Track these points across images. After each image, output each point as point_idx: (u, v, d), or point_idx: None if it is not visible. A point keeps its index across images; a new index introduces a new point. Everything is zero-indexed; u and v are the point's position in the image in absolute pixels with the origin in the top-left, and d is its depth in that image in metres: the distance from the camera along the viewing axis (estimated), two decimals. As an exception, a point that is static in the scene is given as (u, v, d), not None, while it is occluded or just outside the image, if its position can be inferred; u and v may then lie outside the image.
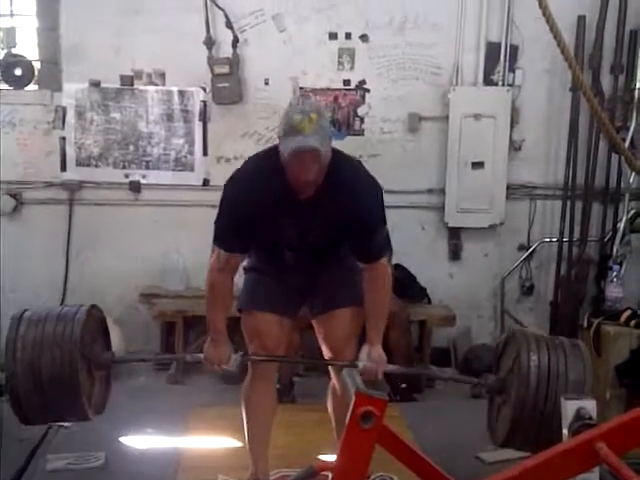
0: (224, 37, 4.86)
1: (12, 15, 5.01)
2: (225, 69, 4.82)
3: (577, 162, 4.94)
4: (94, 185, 5.03)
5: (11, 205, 4.96)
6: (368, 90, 5.00)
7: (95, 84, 4.90)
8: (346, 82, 4.98)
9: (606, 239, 5.02)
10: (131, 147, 5.00)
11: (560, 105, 4.99)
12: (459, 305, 5.05)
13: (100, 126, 4.96)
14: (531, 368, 2.67)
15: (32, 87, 4.98)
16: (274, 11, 4.89)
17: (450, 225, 5.09)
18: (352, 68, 4.97)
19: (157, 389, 4.59)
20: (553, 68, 4.90)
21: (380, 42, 4.93)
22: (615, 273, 4.60)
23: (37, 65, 4.98)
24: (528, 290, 5.21)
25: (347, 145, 4.34)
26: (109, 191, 5.03)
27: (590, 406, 2.10)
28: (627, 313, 4.27)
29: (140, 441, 3.68)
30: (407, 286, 4.85)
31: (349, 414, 1.62)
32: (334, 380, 2.97)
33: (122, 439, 3.68)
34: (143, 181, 5.03)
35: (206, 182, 5.01)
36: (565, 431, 2.07)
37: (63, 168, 5.00)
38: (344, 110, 5.00)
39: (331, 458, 1.73)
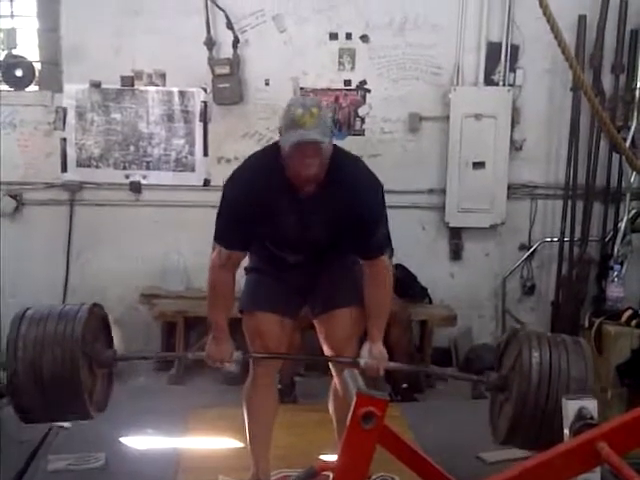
0: (224, 38, 4.86)
1: (12, 16, 5.01)
2: (226, 70, 4.83)
3: (578, 162, 4.94)
4: (95, 186, 5.03)
5: (12, 206, 4.97)
6: (369, 90, 5.00)
7: (96, 85, 4.91)
8: (347, 82, 4.98)
9: (607, 239, 5.02)
10: (132, 148, 5.00)
11: (561, 105, 4.99)
12: (460, 305, 5.05)
13: (101, 127, 4.97)
14: (533, 365, 2.67)
15: (33, 88, 4.98)
16: (274, 12, 4.89)
17: (451, 225, 5.09)
18: (353, 68, 4.97)
19: (157, 390, 4.59)
20: (554, 68, 4.90)
21: (380, 42, 4.93)
22: (616, 273, 4.60)
23: (38, 66, 4.98)
24: (529, 290, 5.21)
25: (348, 145, 4.28)
26: (110, 192, 5.03)
27: (591, 406, 2.09)
28: (628, 313, 4.27)
29: (140, 442, 3.68)
30: (408, 286, 4.85)
31: (350, 414, 1.61)
32: (336, 380, 2.97)
33: (122, 440, 3.68)
34: (144, 182, 5.03)
35: (207, 182, 5.01)
36: (566, 431, 2.07)
37: (64, 169, 5.00)
38: (345, 110, 5.01)
39: (332, 458, 1.73)
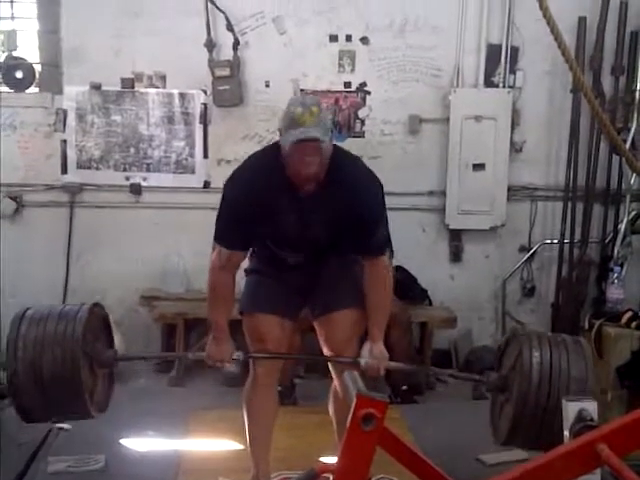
0: (225, 40, 4.86)
1: (13, 18, 5.01)
2: (226, 71, 4.83)
3: (578, 163, 4.94)
4: (95, 188, 5.03)
5: (12, 208, 4.96)
6: (369, 92, 5.00)
7: (96, 87, 4.91)
8: (347, 84, 4.98)
9: (607, 240, 5.02)
10: (132, 150, 5.00)
11: (561, 106, 5.00)
12: (460, 307, 5.05)
13: (101, 129, 4.97)
14: (533, 365, 2.67)
15: (33, 90, 4.98)
16: (274, 14, 4.89)
17: (451, 227, 5.09)
18: (353, 70, 4.97)
19: (158, 391, 4.58)
20: (554, 70, 4.91)
21: (380, 44, 4.93)
22: (616, 274, 4.60)
23: (38, 68, 4.98)
24: (529, 292, 5.21)
25: (347, 147, 4.22)
26: (110, 194, 5.03)
27: (591, 407, 2.10)
28: (628, 314, 4.27)
29: (140, 443, 3.68)
30: (408, 288, 4.85)
31: (350, 416, 1.61)
32: (336, 382, 2.97)
33: (122, 441, 3.67)
34: (144, 183, 5.03)
35: (207, 184, 5.01)
36: (566, 433, 2.07)
37: (64, 171, 5.00)
38: (345, 112, 5.01)
39: (332, 460, 1.73)
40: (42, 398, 2.75)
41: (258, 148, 3.01)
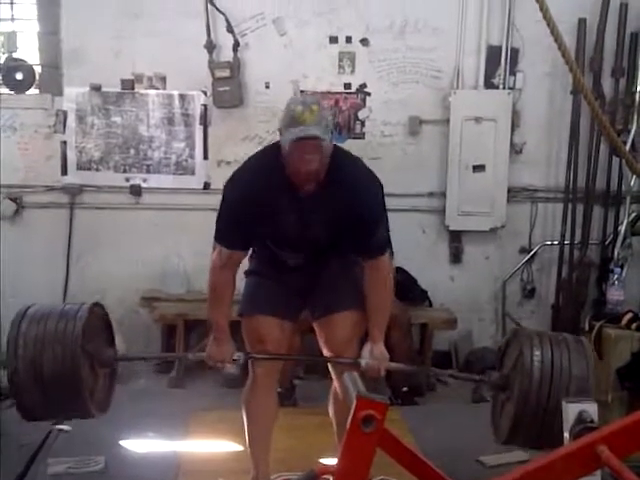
0: (225, 41, 4.87)
1: (13, 19, 5.02)
2: (226, 73, 4.83)
3: (578, 165, 4.94)
4: (95, 189, 5.03)
5: (12, 209, 4.97)
6: (369, 93, 5.00)
7: (96, 88, 4.91)
8: (347, 85, 4.99)
9: (607, 242, 5.02)
10: (132, 151, 5.00)
11: (561, 108, 5.00)
12: (460, 308, 5.05)
13: (101, 130, 4.97)
14: (534, 363, 2.66)
15: (33, 91, 4.99)
16: (275, 15, 4.89)
17: (451, 228, 5.09)
18: (353, 72, 4.98)
19: (158, 392, 4.58)
20: (554, 71, 4.91)
21: (381, 46, 4.93)
22: (616, 276, 4.59)
23: (38, 69, 4.98)
24: (529, 293, 5.21)
25: (347, 148, 4.29)
26: (110, 195, 5.03)
27: (591, 409, 2.09)
28: (628, 316, 4.26)
29: (140, 445, 3.67)
30: (408, 289, 4.85)
31: (350, 417, 1.61)
32: (336, 384, 2.97)
33: (122, 443, 3.67)
34: (144, 185, 5.03)
35: (207, 186, 5.01)
36: (566, 434, 2.07)
37: (64, 172, 5.00)
38: (345, 113, 5.01)
39: (332, 462, 1.73)
40: (42, 396, 2.75)
41: (258, 149, 3.00)
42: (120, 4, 4.87)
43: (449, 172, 4.97)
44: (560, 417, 2.17)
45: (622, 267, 4.70)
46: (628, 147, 4.51)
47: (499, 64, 4.94)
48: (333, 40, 4.93)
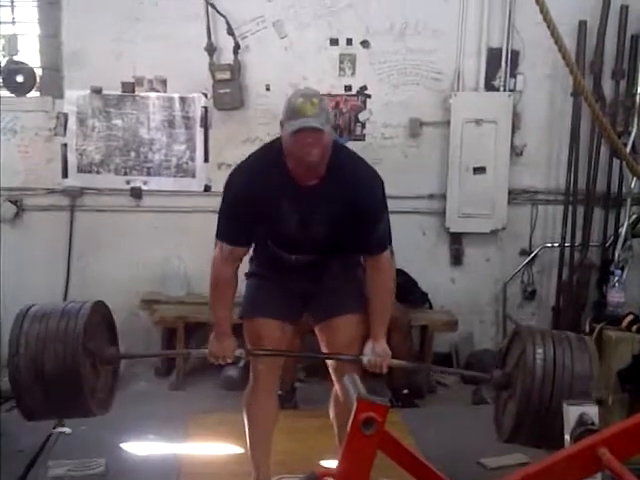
0: (225, 43, 4.87)
1: (14, 22, 5.02)
2: (226, 75, 4.83)
3: (578, 167, 4.94)
4: (95, 191, 5.03)
5: (12, 212, 4.97)
6: (369, 96, 5.00)
7: (96, 91, 4.91)
8: (347, 88, 4.99)
9: (608, 244, 5.02)
10: (132, 153, 5.01)
11: (561, 110, 5.00)
12: (461, 310, 5.05)
13: (101, 133, 4.97)
14: (537, 361, 2.65)
15: (34, 94, 4.98)
16: (275, 17, 4.90)
17: (451, 230, 5.09)
18: (353, 74, 4.98)
19: (158, 395, 4.58)
20: (554, 73, 4.91)
21: (381, 48, 4.94)
22: (617, 278, 4.59)
23: (39, 72, 4.98)
24: (530, 295, 5.21)
25: (348, 151, 4.35)
26: (110, 197, 5.04)
27: (592, 411, 2.09)
28: (629, 318, 4.25)
29: (141, 447, 3.68)
30: (408, 291, 4.84)
31: (351, 420, 1.61)
32: (336, 386, 2.96)
33: (123, 445, 3.67)
34: (144, 187, 5.04)
35: (207, 188, 5.01)
36: (567, 437, 2.07)
37: (64, 175, 5.01)
38: (345, 116, 5.01)
39: (333, 464, 1.73)
40: (44, 395, 2.74)
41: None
42: (121, 7, 4.87)
43: (449, 174, 4.97)
44: (562, 416, 2.16)
45: (623, 269, 4.70)
46: (628, 149, 4.51)
47: (499, 66, 4.95)
48: (333, 42, 4.94)
